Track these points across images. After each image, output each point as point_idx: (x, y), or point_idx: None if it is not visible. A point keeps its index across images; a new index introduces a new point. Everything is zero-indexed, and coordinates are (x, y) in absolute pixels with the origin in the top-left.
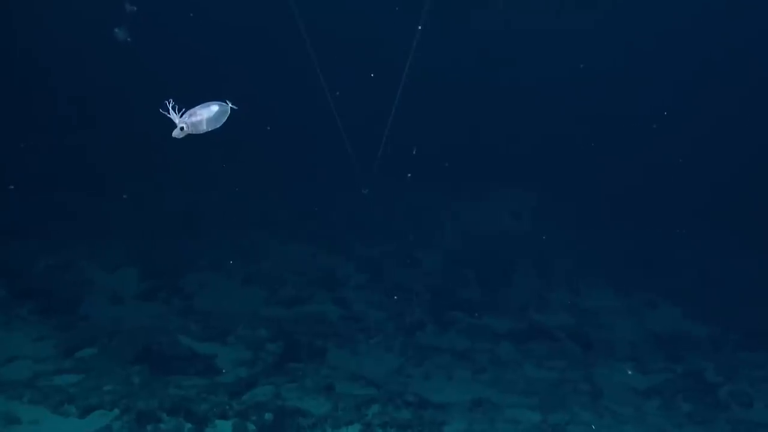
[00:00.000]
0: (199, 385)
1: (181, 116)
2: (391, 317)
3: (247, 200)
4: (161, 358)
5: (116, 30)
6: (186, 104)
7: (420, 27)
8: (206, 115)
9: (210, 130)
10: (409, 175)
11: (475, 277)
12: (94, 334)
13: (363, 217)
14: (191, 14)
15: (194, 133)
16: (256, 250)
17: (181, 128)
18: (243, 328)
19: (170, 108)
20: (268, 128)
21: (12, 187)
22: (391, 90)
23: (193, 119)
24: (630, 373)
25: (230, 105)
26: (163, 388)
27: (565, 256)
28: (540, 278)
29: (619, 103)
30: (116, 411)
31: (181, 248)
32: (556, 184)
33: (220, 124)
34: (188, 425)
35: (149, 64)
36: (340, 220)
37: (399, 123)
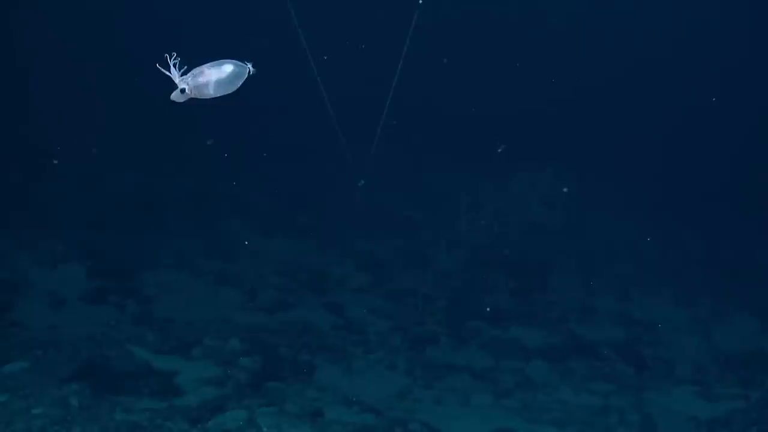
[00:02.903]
0: (153, 408)
1: (183, 75)
2: (397, 328)
3: (222, 183)
4: (108, 374)
5: None
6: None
7: None
8: (215, 77)
9: (219, 95)
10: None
11: (501, 278)
12: (26, 344)
13: (364, 205)
14: None
15: (198, 97)
16: (231, 244)
17: (182, 90)
18: (211, 338)
19: (171, 64)
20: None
21: None
22: (394, 47)
23: (199, 80)
24: None
25: (249, 67)
26: (107, 412)
27: (614, 254)
28: (583, 281)
29: (692, 66)
30: None
31: (139, 240)
32: (600, 165)
33: (234, 89)
34: None
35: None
36: (335, 208)
37: (403, 91)
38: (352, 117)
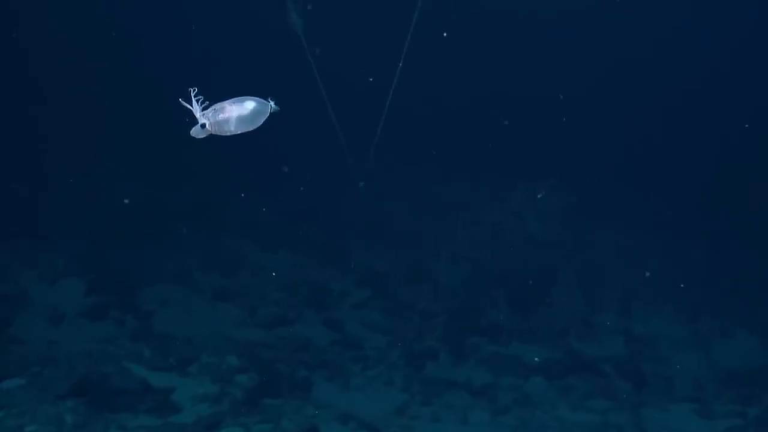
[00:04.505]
0: (148, 426)
1: (204, 110)
2: (396, 343)
3: (224, 197)
4: (104, 391)
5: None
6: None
7: None
8: (236, 113)
9: (239, 132)
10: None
11: (502, 293)
12: (24, 360)
13: (367, 219)
14: None
15: (218, 134)
16: (232, 259)
17: (202, 126)
18: (209, 355)
19: (193, 99)
20: None
21: None
22: (392, 57)
23: (220, 116)
24: None
25: (272, 104)
26: (102, 430)
27: (617, 269)
28: (584, 297)
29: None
30: None
31: (140, 255)
32: (602, 178)
33: (255, 126)
34: None
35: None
36: (338, 222)
37: (402, 101)
38: (355, 119)
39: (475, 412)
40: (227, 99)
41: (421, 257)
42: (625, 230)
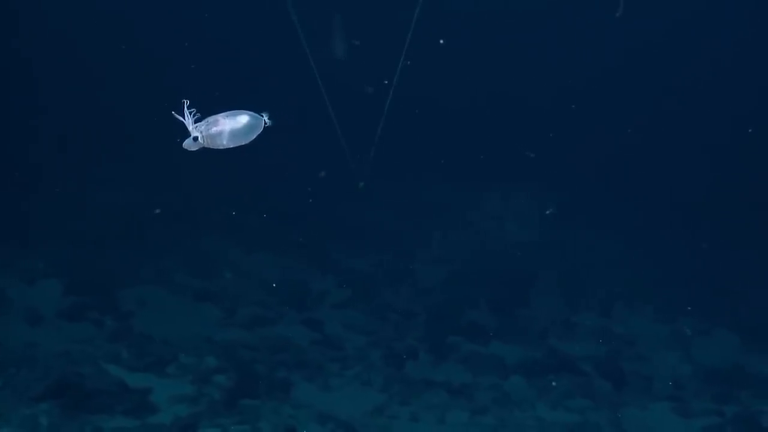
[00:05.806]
0: (125, 427)
1: (197, 123)
2: (375, 343)
3: (205, 198)
4: (80, 392)
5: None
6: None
7: None
8: (230, 127)
9: (232, 146)
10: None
11: (483, 294)
12: (1, 362)
13: (351, 221)
14: None
15: (211, 147)
16: (214, 260)
17: (195, 138)
18: (187, 355)
19: (186, 111)
20: None
21: None
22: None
23: (213, 129)
24: None
25: (265, 119)
26: (78, 431)
27: (597, 269)
28: (564, 296)
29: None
30: None
31: (119, 256)
32: (581, 181)
33: (248, 141)
34: None
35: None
36: (319, 223)
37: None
38: (354, 121)
39: (453, 411)
40: (225, 107)
41: (402, 258)
42: (605, 231)
